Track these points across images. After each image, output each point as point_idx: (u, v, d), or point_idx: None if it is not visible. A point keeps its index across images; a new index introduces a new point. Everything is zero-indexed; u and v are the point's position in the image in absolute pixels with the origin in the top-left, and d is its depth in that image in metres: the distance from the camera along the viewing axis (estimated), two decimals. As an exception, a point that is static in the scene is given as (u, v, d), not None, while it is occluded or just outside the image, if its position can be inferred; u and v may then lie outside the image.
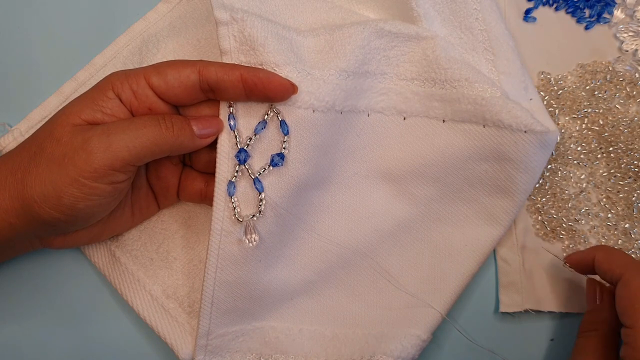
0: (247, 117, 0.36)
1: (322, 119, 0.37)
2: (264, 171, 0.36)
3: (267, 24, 0.36)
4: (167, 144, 0.34)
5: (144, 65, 0.36)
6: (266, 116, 0.36)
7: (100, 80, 0.35)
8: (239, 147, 0.36)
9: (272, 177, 0.37)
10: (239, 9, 0.36)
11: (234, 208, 0.36)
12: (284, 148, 0.36)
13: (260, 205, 0.36)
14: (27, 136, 0.42)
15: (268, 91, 0.34)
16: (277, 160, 0.36)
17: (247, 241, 0.36)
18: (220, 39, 0.36)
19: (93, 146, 0.32)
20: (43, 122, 0.42)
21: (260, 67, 0.35)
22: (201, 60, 0.35)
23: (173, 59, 0.43)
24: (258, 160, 0.37)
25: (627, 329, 0.33)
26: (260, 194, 0.36)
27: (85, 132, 0.33)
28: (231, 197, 0.36)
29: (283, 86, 0.35)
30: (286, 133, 0.36)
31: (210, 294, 0.37)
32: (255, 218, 0.36)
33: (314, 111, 0.37)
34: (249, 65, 0.36)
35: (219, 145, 0.36)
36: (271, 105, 0.36)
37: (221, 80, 0.34)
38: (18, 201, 0.33)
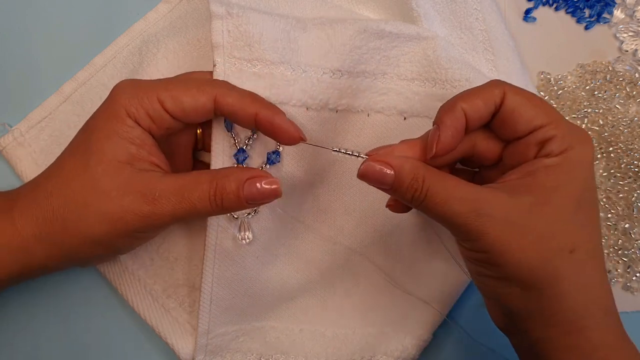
0: None
1: (315, 116, 0.37)
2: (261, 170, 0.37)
3: (265, 20, 0.36)
4: (208, 214, 0.33)
5: (150, 78, 0.35)
6: None
7: (110, 103, 0.33)
8: (238, 147, 0.36)
9: None
10: (235, 4, 0.36)
11: None
12: (279, 145, 0.36)
13: None
14: (27, 136, 0.42)
15: (277, 135, 0.34)
16: (273, 157, 0.37)
17: (240, 238, 0.37)
18: (213, 32, 0.36)
19: (135, 214, 0.32)
20: (43, 122, 0.42)
21: (255, 62, 0.35)
22: (216, 83, 0.34)
23: (173, 59, 0.43)
24: (256, 160, 0.37)
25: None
26: None
27: (131, 194, 0.32)
28: None
29: (293, 137, 0.33)
30: None
31: (208, 290, 0.37)
32: (250, 216, 0.37)
33: (307, 109, 0.37)
34: (244, 61, 0.35)
35: (213, 146, 0.36)
36: None
37: (236, 113, 0.33)
38: (57, 249, 0.33)
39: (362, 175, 0.31)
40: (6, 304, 0.41)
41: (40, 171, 0.41)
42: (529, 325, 0.32)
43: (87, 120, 0.34)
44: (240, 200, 0.32)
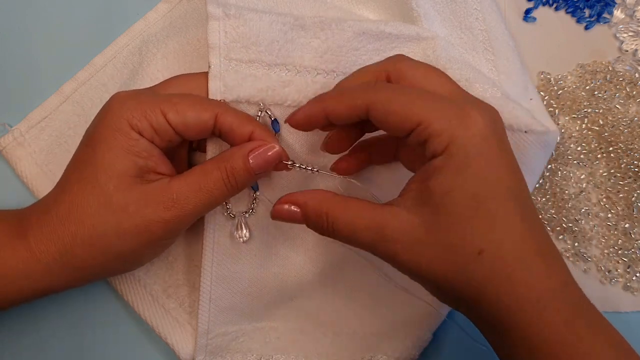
0: None
1: None
2: None
3: (262, 20, 0.36)
4: (225, 198, 0.34)
5: (150, 78, 0.35)
6: (257, 117, 0.36)
7: (110, 115, 0.33)
8: None
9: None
10: (233, 4, 0.36)
11: (226, 204, 0.37)
12: None
13: (253, 203, 0.37)
14: (27, 136, 0.42)
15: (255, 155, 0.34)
16: None
17: (237, 236, 0.37)
18: (210, 33, 0.36)
19: (160, 222, 0.32)
20: (43, 122, 0.42)
21: (251, 64, 0.36)
22: (217, 102, 0.34)
23: (173, 59, 0.43)
24: None
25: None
26: (254, 192, 0.37)
27: (149, 206, 0.32)
28: None
29: (272, 162, 0.34)
30: (277, 130, 0.37)
31: (207, 289, 0.37)
32: (247, 215, 0.37)
33: None
34: (240, 63, 0.36)
35: (208, 147, 0.36)
36: (261, 105, 0.36)
37: (234, 131, 0.34)
38: (79, 270, 0.33)
39: (275, 217, 0.33)
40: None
41: (41, 171, 0.42)
42: (482, 332, 0.31)
43: (88, 133, 0.34)
44: (250, 174, 0.33)
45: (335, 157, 0.37)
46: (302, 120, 0.33)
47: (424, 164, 0.29)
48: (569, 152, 0.44)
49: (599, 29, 0.47)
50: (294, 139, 0.37)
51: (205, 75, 0.36)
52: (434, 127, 0.28)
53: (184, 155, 0.38)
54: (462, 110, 0.29)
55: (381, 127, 0.31)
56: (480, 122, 0.28)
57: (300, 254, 0.40)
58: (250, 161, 0.33)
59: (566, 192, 0.43)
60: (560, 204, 0.43)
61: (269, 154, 0.33)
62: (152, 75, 0.42)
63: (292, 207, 0.32)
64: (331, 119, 0.31)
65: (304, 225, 0.39)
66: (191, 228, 0.41)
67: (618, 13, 0.47)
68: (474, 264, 0.28)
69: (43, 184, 0.41)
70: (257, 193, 0.37)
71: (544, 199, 0.43)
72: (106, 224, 0.32)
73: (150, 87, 0.36)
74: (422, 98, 0.29)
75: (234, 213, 0.37)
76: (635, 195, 0.43)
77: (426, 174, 0.29)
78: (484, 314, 0.29)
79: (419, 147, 0.29)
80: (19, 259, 0.32)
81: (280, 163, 0.34)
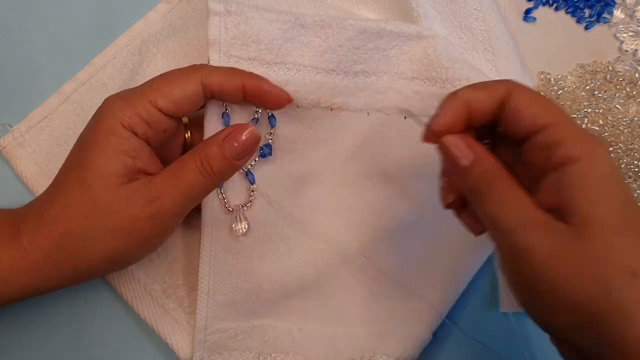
0: (241, 113, 0.37)
1: (305, 113, 0.38)
2: (254, 163, 0.38)
3: (263, 17, 0.36)
4: (206, 188, 0.34)
5: (150, 78, 0.35)
6: (257, 114, 0.37)
7: (102, 117, 0.33)
8: None
9: (262, 169, 0.38)
10: (234, 1, 0.37)
11: (224, 198, 0.37)
12: (270, 139, 0.37)
13: (251, 196, 0.38)
14: (27, 136, 0.42)
15: (267, 100, 0.35)
16: (266, 151, 0.38)
17: (236, 229, 0.37)
18: (210, 28, 0.36)
19: (144, 219, 0.32)
20: (43, 122, 0.42)
21: (251, 62, 0.36)
22: (201, 67, 0.34)
23: (173, 59, 0.43)
24: None
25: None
26: (251, 185, 0.38)
27: (133, 205, 0.32)
28: (221, 189, 0.37)
29: (282, 98, 0.35)
30: (274, 125, 0.37)
31: (206, 284, 0.37)
32: (245, 208, 0.37)
33: (297, 107, 0.38)
34: (240, 60, 0.36)
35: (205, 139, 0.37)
36: None
37: (224, 89, 0.34)
38: (70, 271, 0.33)
39: (443, 145, 0.30)
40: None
41: (41, 171, 0.42)
42: None
43: (81, 137, 0.34)
44: (227, 160, 0.33)
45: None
46: (447, 121, 0.30)
47: (557, 169, 0.27)
48: (569, 152, 0.44)
49: (599, 29, 0.47)
50: (291, 133, 0.38)
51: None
52: (569, 131, 0.27)
53: (178, 156, 0.38)
54: (590, 134, 0.28)
55: (513, 119, 0.29)
56: (603, 145, 0.28)
57: (301, 252, 0.40)
58: (226, 148, 0.33)
59: (566, 192, 0.43)
60: (560, 204, 0.43)
61: (243, 136, 0.33)
62: (152, 76, 0.42)
63: (467, 151, 0.29)
64: (473, 111, 0.29)
65: (304, 222, 0.39)
66: (190, 228, 0.42)
67: (618, 13, 0.47)
68: (626, 283, 0.26)
69: (43, 184, 0.41)
70: (254, 186, 0.38)
71: (544, 199, 0.43)
72: (95, 224, 0.32)
73: (141, 85, 0.36)
74: (558, 108, 0.29)
75: (232, 207, 0.37)
76: (635, 195, 0.43)
77: (564, 181, 0.27)
78: (615, 340, 0.26)
79: (543, 148, 0.28)
80: (12, 258, 0.32)
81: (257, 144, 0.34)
